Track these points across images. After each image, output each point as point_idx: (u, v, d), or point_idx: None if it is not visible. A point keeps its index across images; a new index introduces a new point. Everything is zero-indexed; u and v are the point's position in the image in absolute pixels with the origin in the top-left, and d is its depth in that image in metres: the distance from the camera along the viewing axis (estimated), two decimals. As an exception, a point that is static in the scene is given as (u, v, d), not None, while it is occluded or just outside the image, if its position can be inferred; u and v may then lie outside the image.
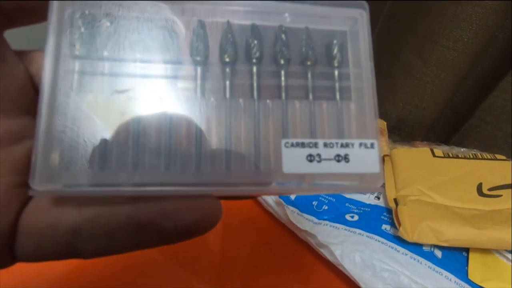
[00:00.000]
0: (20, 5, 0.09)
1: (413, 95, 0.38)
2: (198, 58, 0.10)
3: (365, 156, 0.10)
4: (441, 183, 0.28)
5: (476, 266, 0.24)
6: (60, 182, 0.09)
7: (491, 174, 0.29)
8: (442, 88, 0.36)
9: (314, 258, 0.27)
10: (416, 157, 0.32)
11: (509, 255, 0.24)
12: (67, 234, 0.09)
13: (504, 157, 0.31)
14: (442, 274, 0.23)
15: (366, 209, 0.29)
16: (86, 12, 0.10)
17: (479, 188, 0.27)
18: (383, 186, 0.31)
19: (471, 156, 0.31)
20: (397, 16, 0.37)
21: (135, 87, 0.10)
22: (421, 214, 0.25)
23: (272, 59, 0.10)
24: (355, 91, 0.11)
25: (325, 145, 0.10)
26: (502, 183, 0.28)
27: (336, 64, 0.11)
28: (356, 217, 0.28)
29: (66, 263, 0.25)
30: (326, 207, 0.29)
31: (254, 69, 0.10)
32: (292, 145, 0.10)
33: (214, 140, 0.10)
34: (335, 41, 0.11)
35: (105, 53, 0.10)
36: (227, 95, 0.10)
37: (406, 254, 0.24)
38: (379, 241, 0.25)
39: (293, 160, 0.10)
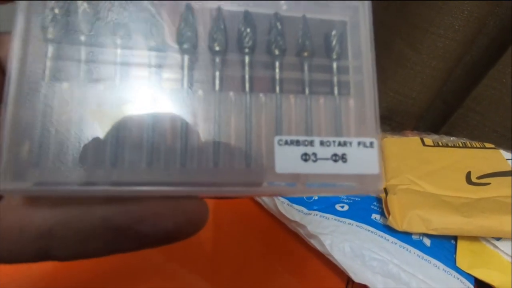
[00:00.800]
0: None
1: (403, 84, 0.38)
2: (186, 46, 0.09)
3: (364, 156, 0.09)
4: (431, 172, 0.28)
5: (464, 253, 0.24)
6: (29, 180, 0.08)
7: (480, 163, 0.29)
8: (432, 77, 0.36)
9: (304, 249, 0.26)
10: (406, 146, 0.32)
11: (496, 243, 0.24)
12: (38, 237, 0.09)
13: (492, 146, 0.31)
14: (430, 262, 0.23)
15: (356, 199, 0.29)
16: None
17: (468, 176, 0.27)
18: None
19: (461, 145, 0.31)
20: (387, 4, 0.37)
21: (115, 75, 0.09)
22: (410, 203, 0.25)
23: (266, 49, 0.10)
24: (355, 86, 0.10)
25: (322, 143, 0.09)
26: (490, 171, 0.28)
27: (334, 56, 0.10)
28: (346, 207, 0.28)
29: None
30: (316, 197, 0.29)
31: (246, 59, 0.09)
32: (286, 142, 0.09)
33: (202, 136, 0.09)
34: (334, 32, 0.10)
35: (82, 38, 0.09)
36: (217, 87, 0.09)
37: (395, 243, 0.24)
38: (368, 230, 0.25)
39: (287, 159, 0.09)
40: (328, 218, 0.26)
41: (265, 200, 0.28)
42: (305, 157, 0.09)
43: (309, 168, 0.09)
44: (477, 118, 0.36)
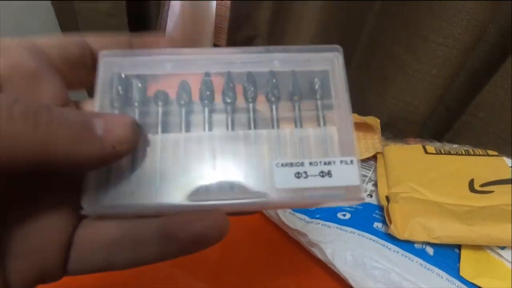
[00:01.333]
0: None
1: (405, 92, 0.38)
2: (206, 102, 0.13)
3: (346, 171, 0.11)
4: (433, 180, 0.28)
5: (468, 262, 0.23)
6: (106, 203, 0.11)
7: (483, 170, 0.28)
8: (433, 85, 0.36)
9: (306, 257, 0.26)
10: (408, 154, 0.32)
11: (500, 251, 0.23)
12: (105, 246, 0.11)
13: (496, 153, 0.31)
14: (433, 271, 0.23)
15: (358, 207, 0.29)
16: (123, 76, 0.13)
17: (471, 184, 0.27)
18: (376, 184, 0.31)
19: (463, 152, 0.31)
20: (388, 13, 0.37)
21: (158, 127, 0.12)
22: (412, 211, 0.25)
23: (266, 97, 0.13)
24: (336, 117, 0.13)
25: (310, 164, 0.11)
26: (494, 179, 0.28)
27: (318, 97, 0.13)
28: (348, 215, 0.28)
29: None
30: (318, 206, 0.29)
31: (251, 106, 0.13)
32: (282, 165, 0.11)
33: (219, 164, 0.12)
34: (316, 79, 0.13)
35: (136, 104, 0.13)
36: (229, 128, 0.12)
37: (397, 252, 0.24)
38: (370, 239, 0.25)
39: (284, 177, 0.11)
40: (330, 227, 0.26)
41: (268, 209, 0.28)
42: (298, 175, 0.11)
43: (301, 183, 0.11)
44: (480, 124, 0.36)
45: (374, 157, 0.35)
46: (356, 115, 0.37)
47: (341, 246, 0.24)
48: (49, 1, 0.61)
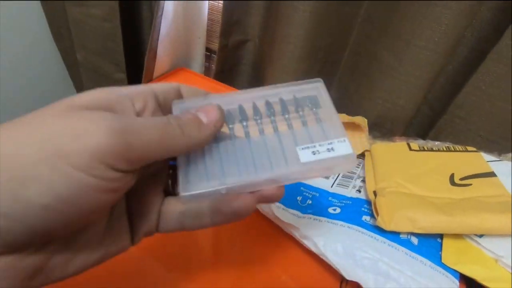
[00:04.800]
0: None
1: (391, 93, 0.40)
2: (230, 126, 0.18)
3: (342, 146, 0.17)
4: (417, 175, 0.30)
5: (449, 250, 0.25)
6: (194, 189, 0.16)
7: (462, 165, 0.30)
8: (417, 86, 0.38)
9: (299, 250, 0.28)
10: (394, 151, 0.33)
11: (479, 240, 0.25)
12: (178, 216, 0.17)
13: (474, 149, 0.33)
14: (417, 259, 0.24)
15: (348, 202, 0.30)
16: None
17: (452, 178, 0.29)
18: (364, 180, 0.33)
19: (445, 149, 0.33)
20: (373, 18, 0.39)
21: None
22: (397, 204, 0.26)
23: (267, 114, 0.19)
24: (329, 117, 0.19)
25: (320, 145, 0.17)
26: (472, 173, 0.29)
27: (315, 107, 0.19)
28: (338, 210, 0.29)
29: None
30: (310, 202, 0.31)
31: (272, 119, 0.19)
32: (303, 148, 0.17)
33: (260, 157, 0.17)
34: (307, 101, 0.19)
35: None
36: (245, 136, 0.18)
37: (384, 242, 0.25)
38: (359, 231, 0.26)
39: (305, 155, 0.17)
40: (321, 221, 0.28)
41: (261, 205, 0.30)
42: (314, 152, 0.17)
43: (317, 157, 0.17)
44: (461, 123, 0.38)
45: (362, 155, 0.37)
46: (344, 115, 0.39)
47: (332, 239, 0.26)
48: (40, 0, 0.61)
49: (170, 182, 0.19)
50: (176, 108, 0.17)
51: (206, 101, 0.18)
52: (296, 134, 0.18)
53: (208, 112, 0.16)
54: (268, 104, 0.19)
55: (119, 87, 0.16)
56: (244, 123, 0.18)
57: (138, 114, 0.16)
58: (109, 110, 0.14)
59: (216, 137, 0.17)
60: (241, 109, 0.19)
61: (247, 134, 0.18)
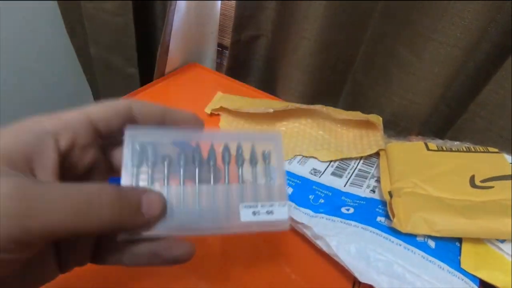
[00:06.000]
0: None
1: (407, 90, 0.39)
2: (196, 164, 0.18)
3: (281, 211, 0.18)
4: (435, 176, 0.29)
5: (468, 255, 0.24)
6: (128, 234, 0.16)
7: (483, 167, 0.29)
8: (436, 83, 0.36)
9: (311, 250, 0.27)
10: (411, 151, 0.32)
11: (500, 245, 0.24)
12: (117, 252, 0.16)
13: (496, 150, 0.31)
14: (435, 264, 0.23)
15: (362, 202, 0.30)
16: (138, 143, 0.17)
17: (472, 180, 0.28)
18: (379, 180, 0.32)
19: (464, 149, 0.32)
20: (391, 12, 0.38)
21: (181, 178, 0.17)
22: (414, 205, 0.26)
23: (235, 162, 0.19)
24: (279, 176, 0.19)
25: (262, 206, 0.18)
26: (494, 175, 0.28)
27: (265, 164, 0.19)
28: (351, 210, 0.28)
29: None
30: (323, 201, 0.30)
31: (226, 168, 0.18)
32: (245, 207, 0.17)
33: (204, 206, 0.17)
34: (266, 152, 0.19)
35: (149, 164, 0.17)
36: (212, 182, 0.18)
37: (399, 245, 0.24)
38: (373, 232, 0.26)
39: (246, 215, 0.17)
40: (334, 221, 0.27)
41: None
42: (254, 213, 0.18)
43: (256, 218, 0.17)
44: (482, 123, 0.37)
45: (376, 154, 0.36)
46: (359, 113, 0.38)
47: (345, 239, 0.25)
48: (55, 1, 0.62)
49: None
50: (129, 141, 0.16)
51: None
52: (244, 189, 0.18)
53: (150, 205, 0.15)
54: (225, 149, 0.19)
55: (45, 118, 0.14)
56: (197, 168, 0.18)
57: (65, 153, 0.14)
58: (26, 162, 0.13)
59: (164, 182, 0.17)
60: (196, 150, 0.18)
61: (196, 179, 0.18)
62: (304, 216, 0.28)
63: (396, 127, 0.42)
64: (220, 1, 0.50)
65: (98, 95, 0.68)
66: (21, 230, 0.11)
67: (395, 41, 0.38)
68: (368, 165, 0.35)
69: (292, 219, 0.27)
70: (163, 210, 0.16)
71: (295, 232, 0.28)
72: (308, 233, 0.27)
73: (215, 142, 0.18)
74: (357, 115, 0.37)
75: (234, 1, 0.46)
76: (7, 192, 0.11)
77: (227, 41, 0.53)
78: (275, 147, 0.19)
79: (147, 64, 0.58)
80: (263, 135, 0.20)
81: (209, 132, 0.19)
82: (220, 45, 0.56)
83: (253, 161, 0.19)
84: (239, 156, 0.19)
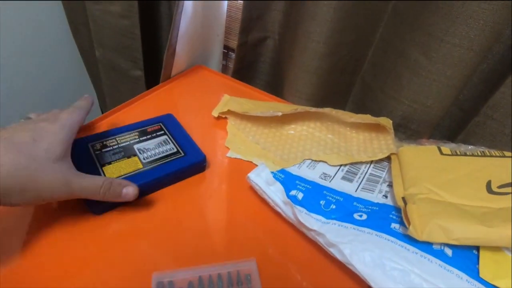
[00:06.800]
0: None
1: (418, 93, 0.38)
2: None
3: None
4: (450, 181, 0.28)
5: (487, 264, 0.23)
6: None
7: (500, 172, 0.28)
8: (448, 86, 0.36)
9: (324, 258, 0.27)
10: (424, 155, 0.31)
11: (520, 253, 0.23)
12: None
13: (512, 154, 0.31)
14: (453, 273, 0.23)
15: (374, 208, 0.29)
16: None
17: (488, 185, 0.27)
18: (391, 184, 0.31)
19: (479, 154, 0.31)
20: (402, 14, 0.37)
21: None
22: (430, 212, 0.25)
23: None
24: None
25: None
26: (511, 180, 0.27)
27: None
28: (364, 216, 0.28)
29: (60, 264, 0.25)
30: (334, 206, 0.29)
31: None
32: None
33: None
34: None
35: None
36: None
37: (416, 253, 0.24)
38: (388, 239, 0.25)
39: None
40: (347, 227, 0.27)
41: (283, 209, 0.29)
42: None
43: None
44: (495, 126, 0.36)
45: (388, 158, 0.35)
46: (369, 116, 0.37)
47: (359, 247, 0.24)
48: (60, 0, 0.62)
49: None
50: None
51: None
52: None
53: (127, 194, 0.27)
54: (210, 278, 0.23)
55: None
56: None
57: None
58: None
59: None
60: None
61: None
62: (315, 223, 0.27)
63: (406, 131, 0.41)
64: (226, 3, 0.50)
65: (103, 97, 0.68)
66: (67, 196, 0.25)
67: (406, 42, 0.37)
68: (379, 169, 0.35)
69: (304, 226, 0.27)
70: (135, 197, 0.27)
71: (307, 239, 0.28)
72: (320, 240, 0.26)
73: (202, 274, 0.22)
74: (367, 118, 0.37)
75: (241, 3, 0.45)
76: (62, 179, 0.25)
77: (233, 43, 0.53)
78: (252, 270, 0.23)
79: (153, 66, 0.57)
80: (238, 262, 0.24)
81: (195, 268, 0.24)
82: (226, 47, 0.55)
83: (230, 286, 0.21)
84: (220, 284, 0.22)
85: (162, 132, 0.35)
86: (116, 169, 0.30)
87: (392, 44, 0.39)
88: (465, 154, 0.31)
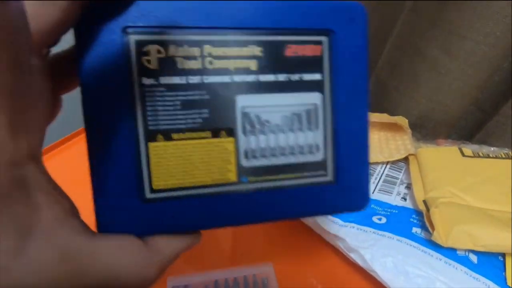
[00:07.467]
0: None
1: (437, 91, 0.37)
2: None
3: None
4: (473, 184, 0.27)
5: (514, 271, 0.23)
6: None
7: (525, 175, 0.27)
8: (468, 85, 0.35)
9: (341, 262, 0.26)
10: (444, 157, 0.30)
11: (549, 261, 0.23)
12: None
13: (537, 157, 0.29)
14: (479, 280, 0.22)
15: (394, 211, 0.28)
16: None
17: (514, 189, 0.26)
18: (410, 186, 0.30)
19: (503, 156, 0.30)
20: (422, 10, 0.36)
21: None
22: (454, 217, 0.24)
23: None
24: None
25: None
26: (537, 184, 0.26)
27: None
28: (384, 219, 0.27)
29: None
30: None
31: None
32: None
33: None
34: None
35: None
36: None
37: (440, 259, 0.23)
38: (410, 245, 0.24)
39: None
40: (366, 231, 0.26)
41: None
42: None
43: None
44: (515, 126, 0.35)
45: (405, 159, 0.34)
46: (386, 115, 0.36)
47: (380, 252, 0.24)
48: None
49: None
50: None
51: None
52: None
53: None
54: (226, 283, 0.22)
55: None
56: None
57: None
58: None
59: None
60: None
61: None
62: (333, 226, 0.26)
63: (422, 130, 0.40)
64: None
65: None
66: None
67: (425, 39, 0.36)
68: (396, 170, 0.34)
69: (322, 229, 0.26)
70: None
71: (324, 242, 0.27)
72: (340, 245, 0.25)
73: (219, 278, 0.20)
74: (384, 117, 0.36)
75: None
76: None
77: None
78: (269, 275, 0.21)
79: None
80: (254, 267, 0.23)
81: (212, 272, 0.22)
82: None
83: None
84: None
85: (319, 75, 0.14)
86: (175, 165, 0.13)
87: (409, 40, 0.37)
88: (488, 156, 0.30)
